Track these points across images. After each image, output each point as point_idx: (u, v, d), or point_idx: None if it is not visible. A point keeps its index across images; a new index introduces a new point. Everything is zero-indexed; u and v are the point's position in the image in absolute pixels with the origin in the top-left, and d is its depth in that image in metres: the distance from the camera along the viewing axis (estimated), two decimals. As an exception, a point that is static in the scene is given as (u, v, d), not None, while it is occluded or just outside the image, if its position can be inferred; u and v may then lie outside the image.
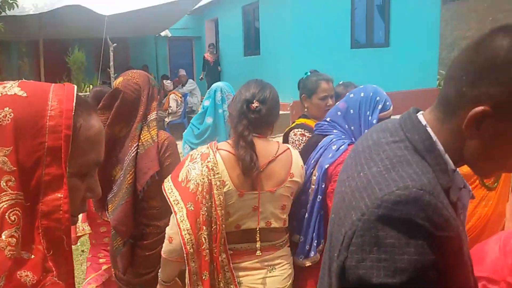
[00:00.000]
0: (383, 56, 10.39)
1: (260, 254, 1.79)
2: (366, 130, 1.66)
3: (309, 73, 2.80)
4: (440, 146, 0.86)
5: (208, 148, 1.79)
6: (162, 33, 14.40)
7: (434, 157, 0.85)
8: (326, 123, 2.13)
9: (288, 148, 1.88)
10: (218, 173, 1.72)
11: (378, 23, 10.84)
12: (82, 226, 2.56)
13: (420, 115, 0.90)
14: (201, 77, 12.48)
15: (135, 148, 2.07)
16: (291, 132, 2.60)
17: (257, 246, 1.78)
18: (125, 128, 2.12)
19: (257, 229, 1.77)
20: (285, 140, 2.62)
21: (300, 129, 2.56)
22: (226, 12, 13.03)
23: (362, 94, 2.00)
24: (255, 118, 1.78)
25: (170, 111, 10.17)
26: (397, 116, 0.99)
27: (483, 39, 0.80)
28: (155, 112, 2.16)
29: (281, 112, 2.41)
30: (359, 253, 0.78)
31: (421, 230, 0.76)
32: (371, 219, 0.78)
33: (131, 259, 2.15)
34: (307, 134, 2.49)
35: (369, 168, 0.86)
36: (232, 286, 1.75)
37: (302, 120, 2.68)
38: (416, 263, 0.75)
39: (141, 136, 2.09)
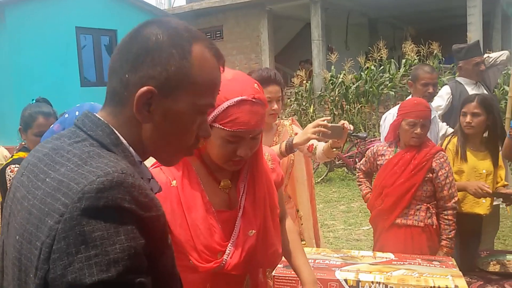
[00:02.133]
0: (114, 94, 10.62)
1: None
2: None
3: (34, 101, 2.57)
4: (123, 140, 0.85)
5: None
6: None
7: (121, 150, 0.83)
8: None
9: None
10: None
11: (108, 62, 11.07)
12: None
13: (97, 115, 0.88)
14: None
15: None
16: (7, 168, 2.37)
17: None
18: None
19: None
20: (2, 176, 2.36)
21: (17, 165, 2.30)
22: None
23: (76, 113, 1.94)
24: None
25: None
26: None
27: (136, 30, 0.87)
28: None
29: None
30: (64, 259, 0.68)
31: (129, 213, 0.72)
32: (73, 216, 0.69)
33: None
34: None
35: (55, 171, 0.77)
36: None
37: (20, 154, 2.43)
38: (129, 250, 0.70)
39: None
